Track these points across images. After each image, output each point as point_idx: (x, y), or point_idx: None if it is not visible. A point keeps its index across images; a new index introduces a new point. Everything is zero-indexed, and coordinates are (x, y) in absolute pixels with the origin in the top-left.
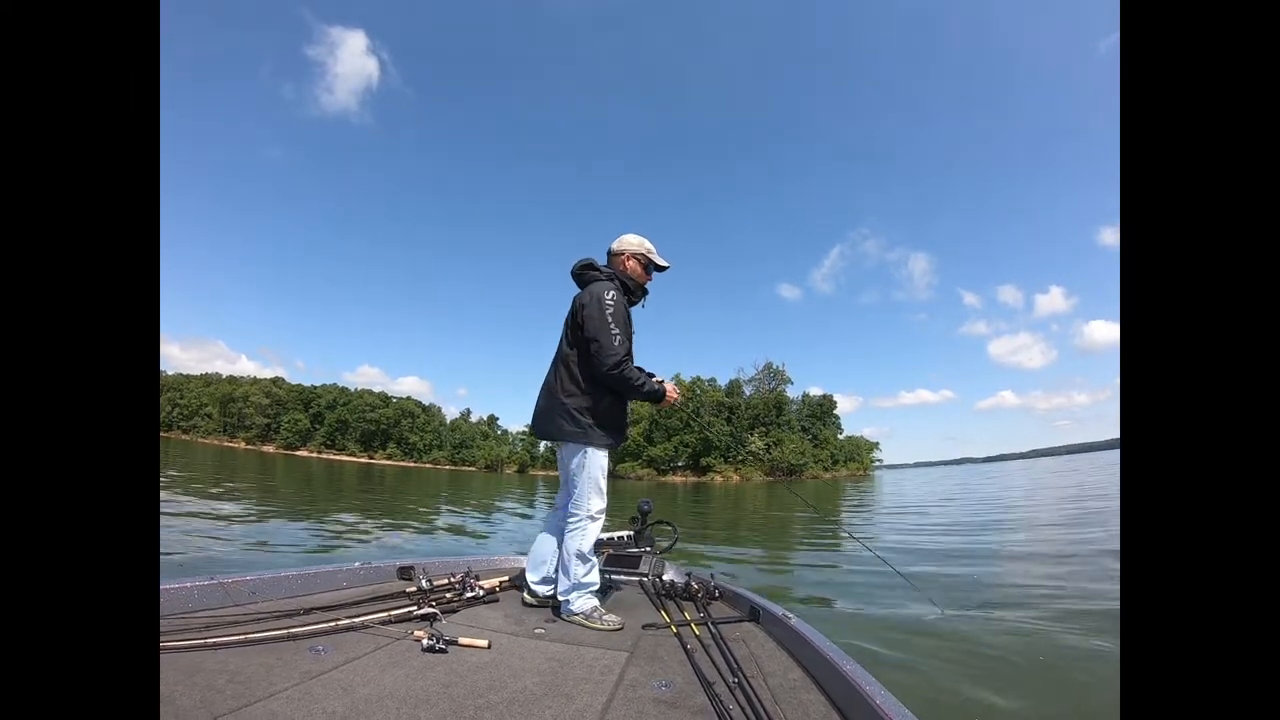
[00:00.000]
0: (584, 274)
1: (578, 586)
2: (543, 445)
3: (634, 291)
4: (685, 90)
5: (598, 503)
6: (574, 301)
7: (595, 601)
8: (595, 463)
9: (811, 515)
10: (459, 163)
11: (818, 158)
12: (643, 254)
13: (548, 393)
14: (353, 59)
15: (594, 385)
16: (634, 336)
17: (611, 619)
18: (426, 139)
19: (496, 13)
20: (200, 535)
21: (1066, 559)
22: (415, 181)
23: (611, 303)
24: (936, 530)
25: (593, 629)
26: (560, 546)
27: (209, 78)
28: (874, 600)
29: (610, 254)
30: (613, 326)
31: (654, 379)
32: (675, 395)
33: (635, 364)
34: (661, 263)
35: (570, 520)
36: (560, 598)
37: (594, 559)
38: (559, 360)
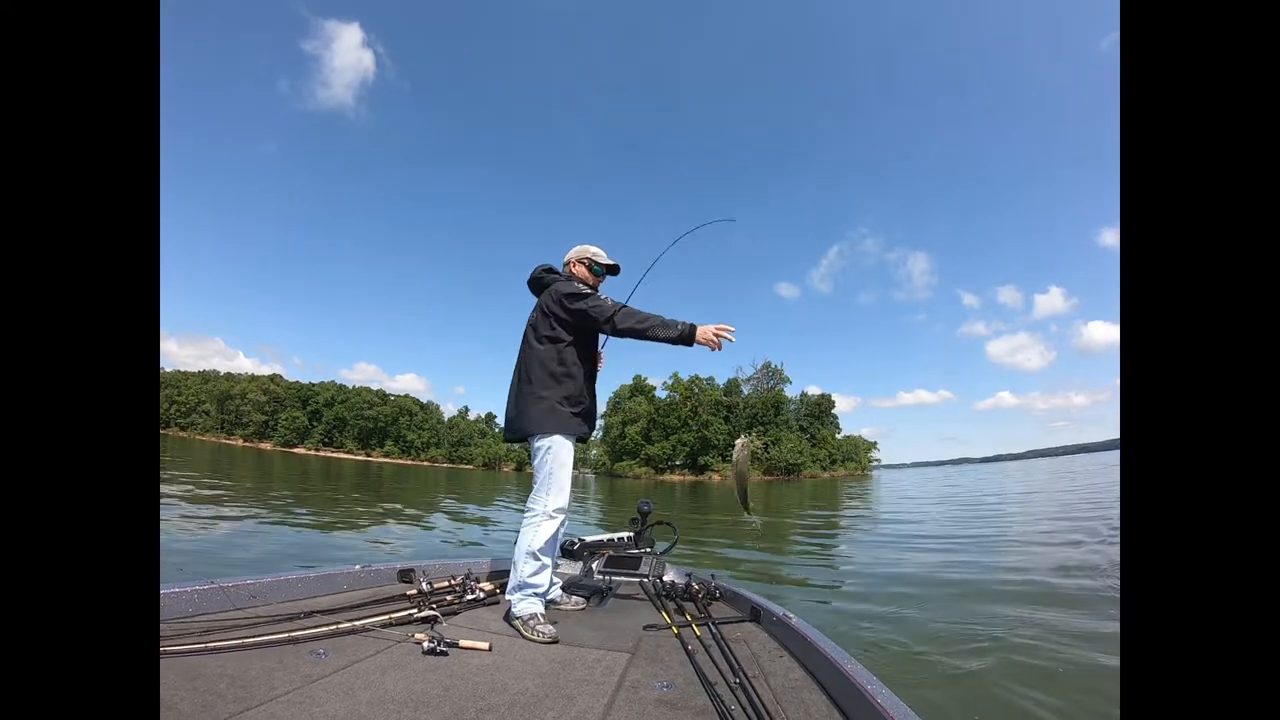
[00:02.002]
0: (544, 277)
1: (522, 587)
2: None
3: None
4: (686, 87)
5: (556, 499)
6: (538, 304)
7: (536, 608)
8: (560, 455)
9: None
10: (456, 158)
11: (816, 156)
12: (587, 258)
13: (519, 395)
14: (348, 52)
15: (568, 375)
16: (599, 336)
17: (546, 630)
18: (423, 134)
19: (495, 6)
20: (199, 538)
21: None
22: (412, 177)
23: (580, 282)
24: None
25: (526, 638)
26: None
27: (204, 72)
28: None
29: (563, 265)
30: (597, 292)
31: (678, 322)
32: (711, 337)
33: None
34: (606, 262)
35: (526, 515)
36: (506, 595)
37: (545, 560)
38: (528, 360)
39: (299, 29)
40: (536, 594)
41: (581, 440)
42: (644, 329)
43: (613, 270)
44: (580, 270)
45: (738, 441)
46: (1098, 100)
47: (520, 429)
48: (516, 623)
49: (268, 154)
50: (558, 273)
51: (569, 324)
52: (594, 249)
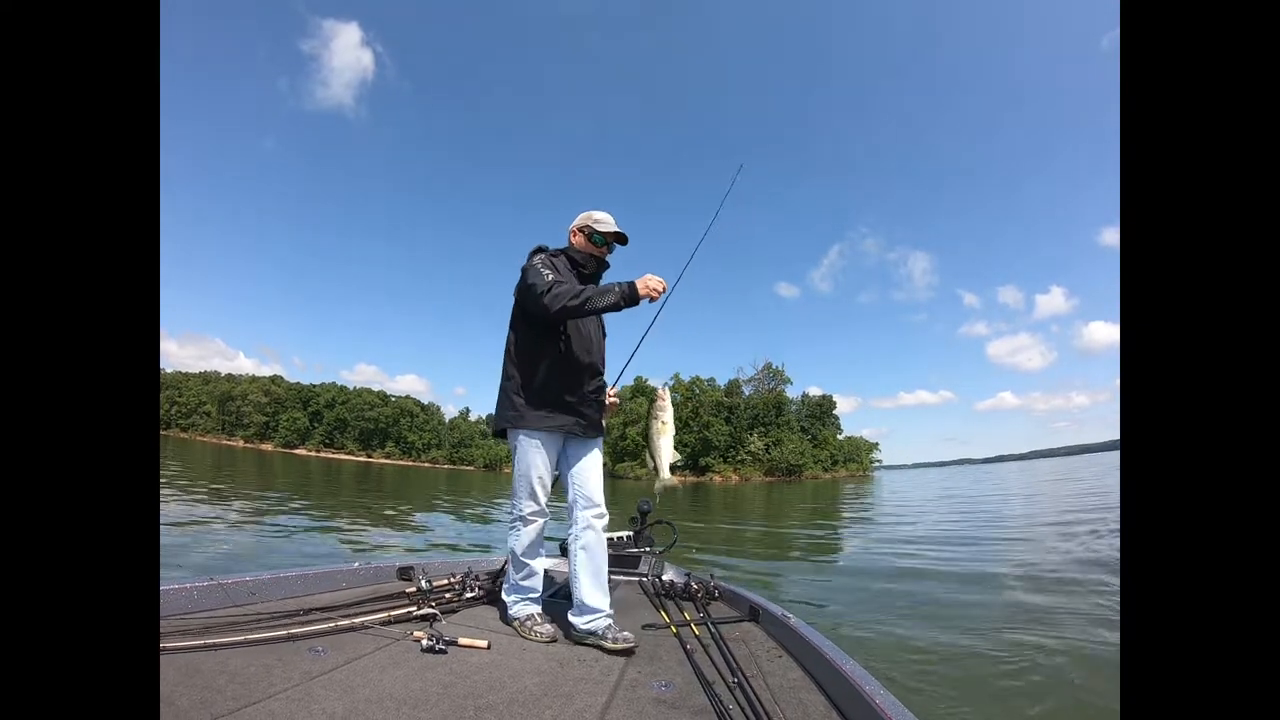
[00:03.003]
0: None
1: (515, 589)
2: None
3: (583, 264)
4: (684, 87)
5: (528, 503)
6: None
7: (532, 609)
8: (525, 454)
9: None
10: (456, 158)
11: (815, 154)
12: (586, 225)
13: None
14: (347, 52)
15: (528, 360)
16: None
17: (544, 630)
18: (423, 134)
19: (496, 6)
20: (199, 536)
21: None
22: (411, 177)
23: (538, 260)
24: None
25: (525, 639)
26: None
27: (203, 72)
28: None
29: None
30: (541, 268)
31: (614, 285)
32: (654, 285)
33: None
34: (606, 230)
35: (508, 520)
36: (503, 595)
37: (531, 565)
38: (504, 353)
39: (297, 28)
40: (529, 597)
41: (559, 430)
42: (579, 304)
43: (619, 239)
44: (579, 240)
45: (662, 395)
46: (1098, 98)
47: (498, 426)
48: (514, 624)
49: (266, 153)
50: (542, 249)
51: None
52: (598, 214)
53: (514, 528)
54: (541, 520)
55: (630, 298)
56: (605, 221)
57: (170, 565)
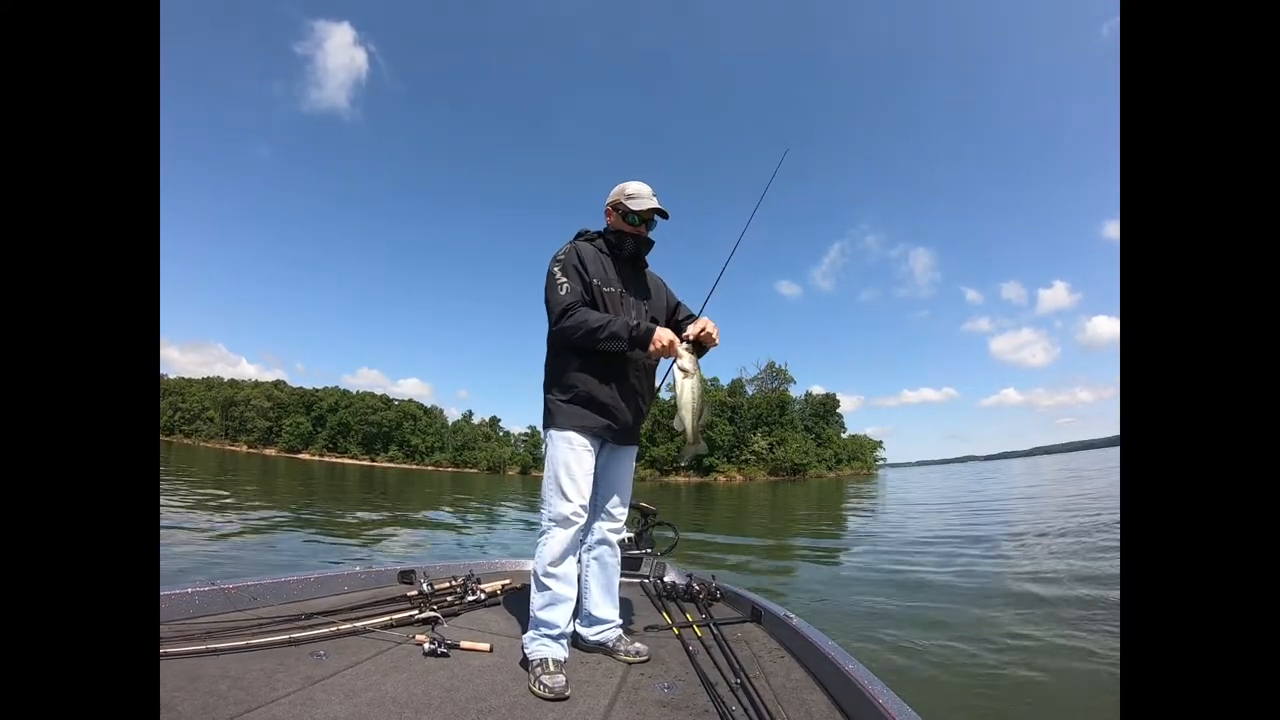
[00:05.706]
0: None
1: (534, 625)
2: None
3: (619, 246)
4: (682, 84)
5: (558, 503)
6: None
7: (546, 652)
8: (555, 453)
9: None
10: (454, 158)
11: (815, 150)
12: (619, 202)
13: None
14: (340, 52)
15: (556, 356)
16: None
17: (550, 682)
18: (419, 133)
19: (490, 3)
20: (202, 541)
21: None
22: (409, 177)
23: (561, 256)
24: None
25: (531, 690)
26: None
27: (200, 77)
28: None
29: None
30: (559, 278)
31: (634, 323)
32: (667, 343)
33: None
34: (636, 206)
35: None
36: (523, 635)
37: (555, 590)
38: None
39: (289, 30)
40: (550, 635)
41: (586, 430)
42: (589, 344)
43: (660, 214)
44: (613, 220)
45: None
46: (1100, 88)
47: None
48: (527, 668)
49: (263, 158)
50: (583, 232)
51: None
52: (631, 188)
53: (542, 538)
54: (574, 527)
55: (638, 342)
56: (639, 196)
57: (172, 571)
